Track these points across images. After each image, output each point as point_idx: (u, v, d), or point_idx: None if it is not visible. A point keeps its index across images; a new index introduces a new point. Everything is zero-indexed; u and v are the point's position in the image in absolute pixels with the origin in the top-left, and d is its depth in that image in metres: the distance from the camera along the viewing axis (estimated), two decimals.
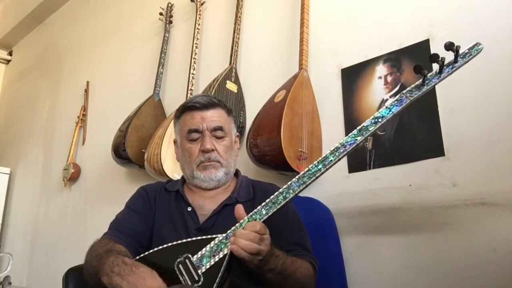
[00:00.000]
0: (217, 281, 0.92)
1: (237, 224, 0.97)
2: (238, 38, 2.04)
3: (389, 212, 1.43)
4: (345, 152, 0.98)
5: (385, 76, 1.56)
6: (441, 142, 1.37)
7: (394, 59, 1.55)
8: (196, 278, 0.93)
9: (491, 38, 1.32)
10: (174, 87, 2.38)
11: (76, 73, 3.26)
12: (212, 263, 0.94)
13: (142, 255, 1.03)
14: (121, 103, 2.64)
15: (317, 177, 0.97)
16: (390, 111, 1.00)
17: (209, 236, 0.98)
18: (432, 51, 1.44)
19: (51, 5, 3.69)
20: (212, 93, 1.80)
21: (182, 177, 1.33)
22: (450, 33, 1.42)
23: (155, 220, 1.21)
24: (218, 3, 2.31)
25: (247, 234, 0.92)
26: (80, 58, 3.29)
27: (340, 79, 1.67)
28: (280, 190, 0.98)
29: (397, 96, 1.02)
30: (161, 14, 2.52)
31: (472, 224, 1.26)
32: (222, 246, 0.95)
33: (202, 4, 2.33)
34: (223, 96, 1.84)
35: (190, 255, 0.96)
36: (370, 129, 0.99)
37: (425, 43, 1.48)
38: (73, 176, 2.81)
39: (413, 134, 1.43)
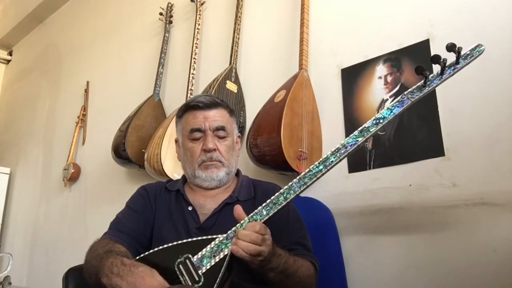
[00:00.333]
0: (217, 281, 0.92)
1: (237, 225, 0.97)
2: (238, 38, 2.04)
3: (389, 212, 1.43)
4: (346, 153, 0.98)
5: (385, 76, 1.56)
6: (441, 142, 1.37)
7: (394, 59, 1.55)
8: (197, 279, 0.93)
9: (491, 38, 1.32)
10: (174, 87, 2.38)
11: (76, 73, 3.26)
12: (213, 263, 0.94)
13: (142, 255, 1.03)
14: (121, 103, 2.64)
15: (318, 178, 0.98)
16: (391, 112, 1.00)
17: (209, 237, 0.98)
18: (432, 51, 1.44)
19: (51, 5, 3.69)
20: (212, 93, 1.80)
21: (183, 176, 1.33)
22: (450, 33, 1.43)
23: (156, 220, 1.22)
24: (218, 3, 2.31)
25: (248, 235, 0.92)
26: (80, 58, 3.29)
27: (340, 79, 1.68)
28: (281, 190, 0.98)
29: (398, 97, 1.02)
30: (161, 14, 2.52)
31: (472, 224, 1.26)
32: (223, 247, 0.95)
33: (202, 4, 2.33)
34: (223, 96, 1.84)
35: (190, 256, 0.96)
36: (371, 130, 0.99)
37: (425, 43, 1.48)
38: (73, 176, 2.81)
39: (413, 134, 1.43)
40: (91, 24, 3.29)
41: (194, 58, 2.17)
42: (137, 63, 2.70)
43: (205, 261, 0.95)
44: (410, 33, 1.52)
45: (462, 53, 0.99)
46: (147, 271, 0.92)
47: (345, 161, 1.56)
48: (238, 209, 0.98)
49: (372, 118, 1.00)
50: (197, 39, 2.22)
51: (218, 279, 0.92)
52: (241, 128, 1.87)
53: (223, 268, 0.93)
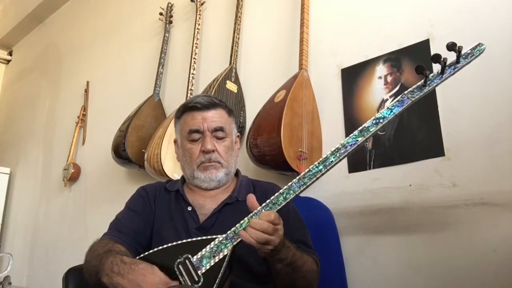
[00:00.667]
0: (217, 282, 0.92)
1: (237, 225, 0.97)
2: (238, 38, 2.04)
3: (389, 212, 1.43)
4: (346, 153, 0.98)
5: (385, 76, 1.56)
6: (441, 142, 1.37)
7: (394, 59, 1.55)
8: (196, 279, 0.93)
9: (491, 38, 1.32)
10: (174, 87, 2.38)
11: (76, 73, 3.26)
12: (212, 263, 0.94)
13: (142, 255, 1.03)
14: (121, 103, 2.64)
15: (317, 178, 0.97)
16: (391, 112, 1.00)
17: (209, 237, 0.98)
18: (432, 51, 1.44)
19: (51, 5, 3.69)
20: (212, 93, 1.80)
21: (182, 177, 1.33)
22: (450, 33, 1.42)
23: (155, 220, 1.22)
24: (218, 3, 2.31)
25: (260, 223, 0.92)
26: (80, 58, 3.29)
27: (340, 79, 1.67)
28: (281, 191, 0.98)
29: (398, 97, 1.01)
30: (161, 14, 2.52)
31: (472, 224, 1.26)
32: (222, 247, 0.95)
33: (202, 4, 2.33)
34: (223, 96, 1.84)
35: (190, 256, 0.96)
36: (371, 130, 0.99)
37: (425, 43, 1.48)
38: (73, 176, 2.81)
39: (413, 134, 1.43)
40: (91, 24, 3.29)
41: (194, 58, 2.17)
42: (137, 63, 2.70)
43: (204, 261, 0.95)
44: (410, 33, 1.52)
45: (462, 52, 0.99)
46: (147, 268, 0.92)
47: (345, 161, 1.55)
48: (252, 198, 0.98)
49: (372, 118, 1.00)
50: (197, 39, 2.22)
51: (218, 279, 0.92)
52: (241, 128, 1.87)
53: (222, 268, 0.93)
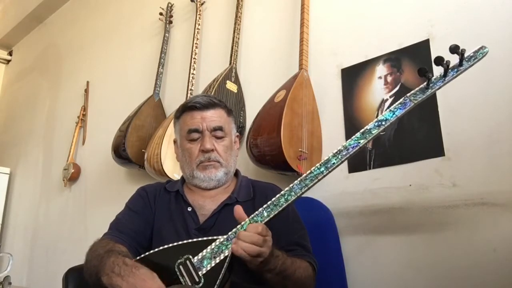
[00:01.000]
0: (217, 283, 0.92)
1: (238, 226, 0.97)
2: (238, 38, 2.04)
3: (389, 212, 1.43)
4: (347, 155, 0.98)
5: (385, 76, 1.56)
6: (441, 142, 1.37)
7: (394, 59, 1.55)
8: (197, 280, 0.93)
9: (491, 38, 1.32)
10: (174, 87, 2.38)
11: (76, 73, 3.26)
12: (213, 264, 0.94)
13: (142, 255, 1.03)
14: (121, 103, 2.64)
15: (319, 180, 0.97)
16: (393, 114, 1.00)
17: (210, 238, 0.98)
18: (432, 51, 1.44)
19: (51, 5, 3.69)
20: (212, 93, 1.80)
21: (182, 177, 1.33)
22: (450, 33, 1.42)
23: (155, 221, 1.22)
24: (218, 3, 2.31)
25: (250, 236, 0.92)
26: (80, 58, 3.29)
27: (340, 79, 1.67)
28: (282, 192, 0.98)
29: (401, 99, 1.01)
30: (161, 14, 2.52)
31: (472, 224, 1.26)
32: (223, 248, 0.95)
33: (202, 4, 2.33)
34: (223, 96, 1.84)
35: (191, 256, 0.96)
36: (373, 132, 0.99)
37: (425, 43, 1.48)
38: (73, 176, 2.81)
39: (413, 134, 1.43)
40: (91, 24, 3.28)
41: (194, 58, 2.17)
42: (137, 63, 2.69)
43: (205, 262, 0.95)
44: (410, 33, 1.52)
45: (465, 55, 0.98)
46: (148, 274, 0.92)
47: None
48: (239, 210, 0.98)
49: (374, 120, 1.00)
50: (197, 39, 2.22)
51: (218, 280, 0.92)
52: (241, 128, 1.87)
53: (223, 269, 0.93)
